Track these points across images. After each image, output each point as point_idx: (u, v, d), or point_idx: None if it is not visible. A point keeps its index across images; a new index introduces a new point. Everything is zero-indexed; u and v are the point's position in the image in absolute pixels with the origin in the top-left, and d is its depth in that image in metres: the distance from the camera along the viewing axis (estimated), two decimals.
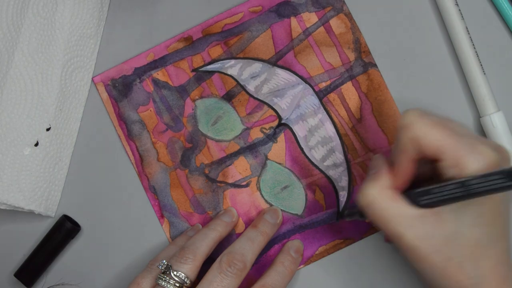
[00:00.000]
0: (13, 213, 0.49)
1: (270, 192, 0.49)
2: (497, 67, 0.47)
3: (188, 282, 0.42)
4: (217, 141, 0.50)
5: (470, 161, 0.37)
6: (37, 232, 0.49)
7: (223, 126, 0.50)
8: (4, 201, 0.47)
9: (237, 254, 0.43)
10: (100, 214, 0.49)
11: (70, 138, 0.49)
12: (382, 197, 0.40)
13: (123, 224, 0.49)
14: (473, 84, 0.46)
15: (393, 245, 0.46)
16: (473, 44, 0.47)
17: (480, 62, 0.46)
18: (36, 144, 0.48)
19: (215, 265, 0.42)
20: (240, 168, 0.49)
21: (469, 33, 0.46)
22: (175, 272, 0.42)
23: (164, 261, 0.43)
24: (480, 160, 0.37)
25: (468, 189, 0.36)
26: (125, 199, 0.49)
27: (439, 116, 0.39)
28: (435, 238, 0.38)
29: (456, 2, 0.47)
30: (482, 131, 0.47)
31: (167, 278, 0.42)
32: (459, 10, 0.47)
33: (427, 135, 0.38)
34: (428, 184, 0.39)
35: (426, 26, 0.48)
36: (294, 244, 0.47)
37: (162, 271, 0.42)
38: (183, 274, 0.42)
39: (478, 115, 0.47)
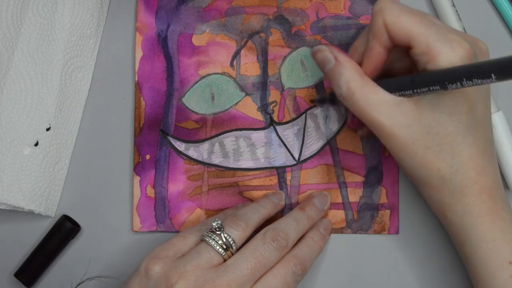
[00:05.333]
0: (13, 213, 0.49)
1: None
2: None
3: (234, 248, 0.41)
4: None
5: (440, 48, 0.37)
6: (37, 232, 0.49)
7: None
8: (4, 201, 0.47)
9: (281, 232, 0.42)
10: (100, 214, 0.49)
11: (70, 138, 0.49)
12: (363, 84, 0.39)
13: (123, 224, 0.49)
14: None
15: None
16: None
17: None
18: (36, 144, 0.47)
19: (258, 236, 0.42)
20: None
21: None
22: (225, 235, 0.41)
23: (219, 220, 0.42)
24: (450, 48, 0.37)
25: (417, 85, 0.37)
26: (125, 199, 0.49)
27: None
28: (414, 127, 0.39)
29: (453, 3, 0.47)
30: None
31: (216, 237, 0.41)
32: (456, 11, 0.47)
33: (397, 20, 0.38)
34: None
35: None
36: (324, 222, 0.46)
37: (211, 230, 0.41)
38: (231, 239, 0.41)
39: None
